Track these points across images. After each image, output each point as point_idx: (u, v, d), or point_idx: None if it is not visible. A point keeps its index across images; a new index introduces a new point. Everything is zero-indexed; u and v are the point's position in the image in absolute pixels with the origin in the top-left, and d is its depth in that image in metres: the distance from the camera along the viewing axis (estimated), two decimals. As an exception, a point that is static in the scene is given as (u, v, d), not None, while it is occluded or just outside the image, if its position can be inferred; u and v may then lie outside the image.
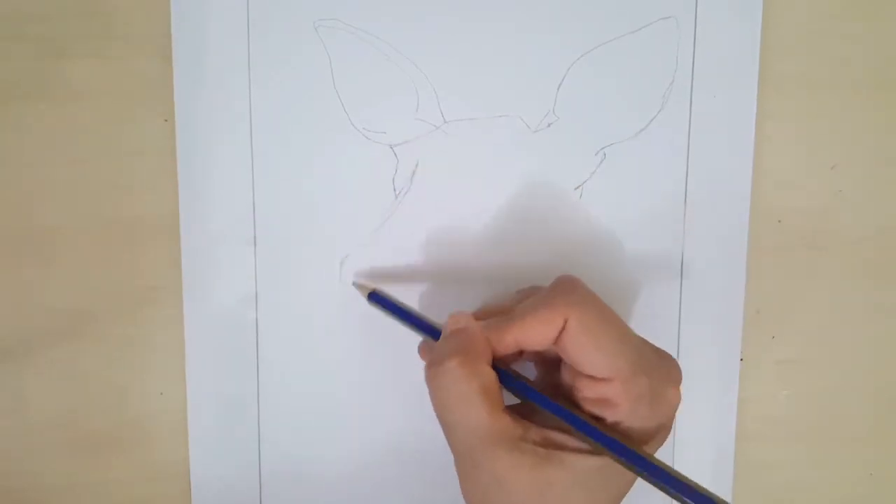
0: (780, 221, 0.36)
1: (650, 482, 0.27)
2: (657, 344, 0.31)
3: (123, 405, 0.35)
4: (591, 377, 0.28)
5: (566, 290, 0.29)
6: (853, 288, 0.37)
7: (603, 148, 0.35)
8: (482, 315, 0.31)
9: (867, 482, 0.38)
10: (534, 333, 0.28)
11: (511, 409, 0.29)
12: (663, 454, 0.36)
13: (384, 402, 0.36)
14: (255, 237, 0.34)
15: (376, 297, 0.33)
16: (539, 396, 0.29)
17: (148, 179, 0.34)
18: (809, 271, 0.37)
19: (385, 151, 0.34)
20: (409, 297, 0.35)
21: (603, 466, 0.28)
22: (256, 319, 0.35)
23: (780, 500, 0.38)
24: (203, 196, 0.34)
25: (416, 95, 0.34)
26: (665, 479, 0.27)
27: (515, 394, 0.29)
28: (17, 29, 0.33)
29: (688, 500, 0.26)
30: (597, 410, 0.28)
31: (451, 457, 0.31)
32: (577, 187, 0.35)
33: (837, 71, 0.36)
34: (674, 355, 0.36)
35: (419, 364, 0.33)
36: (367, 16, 0.33)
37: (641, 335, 0.30)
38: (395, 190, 0.34)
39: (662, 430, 0.29)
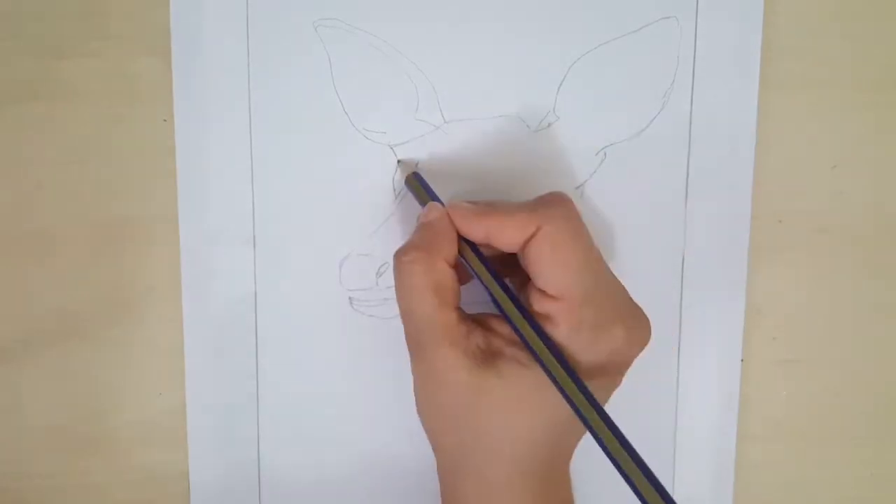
0: (780, 221, 0.36)
1: (568, 402, 0.27)
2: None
3: (122, 406, 0.35)
4: (542, 291, 0.29)
5: (551, 202, 0.30)
6: (853, 288, 0.37)
7: (603, 148, 0.35)
8: (471, 205, 0.30)
9: (867, 482, 0.38)
10: (505, 232, 0.29)
11: (467, 315, 0.30)
12: (662, 452, 0.36)
13: (384, 404, 0.36)
14: (254, 237, 0.34)
15: (418, 178, 0.33)
16: (491, 281, 0.29)
17: (147, 179, 0.34)
18: (810, 271, 0.37)
19: (385, 151, 0.34)
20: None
21: (539, 386, 0.28)
22: (256, 320, 0.35)
23: (780, 500, 0.38)
24: (202, 196, 0.34)
25: (416, 96, 0.34)
26: (582, 389, 0.27)
27: (472, 271, 0.30)
28: (16, 29, 0.33)
29: (593, 425, 0.27)
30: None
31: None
32: (578, 187, 0.35)
33: (838, 71, 0.36)
34: (674, 355, 0.36)
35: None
36: (367, 16, 0.33)
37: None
38: (395, 190, 0.34)
39: (604, 374, 0.29)
